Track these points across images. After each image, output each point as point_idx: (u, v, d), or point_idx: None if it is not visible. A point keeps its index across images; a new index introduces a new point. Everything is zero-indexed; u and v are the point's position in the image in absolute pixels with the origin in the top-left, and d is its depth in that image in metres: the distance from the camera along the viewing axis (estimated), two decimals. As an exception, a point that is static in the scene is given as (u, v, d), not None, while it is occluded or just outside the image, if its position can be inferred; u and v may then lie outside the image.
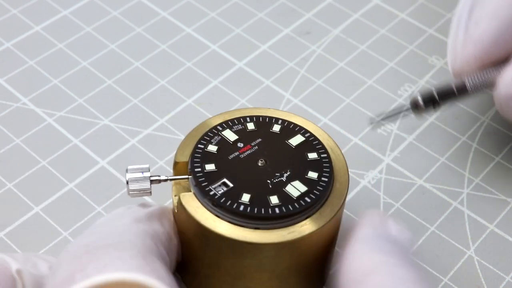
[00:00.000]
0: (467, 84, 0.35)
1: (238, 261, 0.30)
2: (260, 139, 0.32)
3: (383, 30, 0.46)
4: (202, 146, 0.31)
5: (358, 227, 0.31)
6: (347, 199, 0.37)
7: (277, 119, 0.33)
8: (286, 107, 0.41)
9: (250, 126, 0.32)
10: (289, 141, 0.32)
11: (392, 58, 0.44)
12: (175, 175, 0.31)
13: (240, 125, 0.32)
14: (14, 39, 0.45)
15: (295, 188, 0.30)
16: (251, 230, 0.29)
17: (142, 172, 0.31)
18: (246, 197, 0.29)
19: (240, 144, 0.32)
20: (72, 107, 0.41)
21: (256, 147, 0.31)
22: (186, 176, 0.31)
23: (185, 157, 0.31)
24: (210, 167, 0.30)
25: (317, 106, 0.41)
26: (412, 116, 0.41)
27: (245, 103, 0.41)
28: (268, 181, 0.30)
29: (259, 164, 0.31)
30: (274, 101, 0.42)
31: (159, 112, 0.41)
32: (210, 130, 0.32)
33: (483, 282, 0.34)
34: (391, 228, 0.31)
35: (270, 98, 0.42)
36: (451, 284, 0.34)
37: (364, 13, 0.47)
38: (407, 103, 0.35)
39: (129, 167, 0.31)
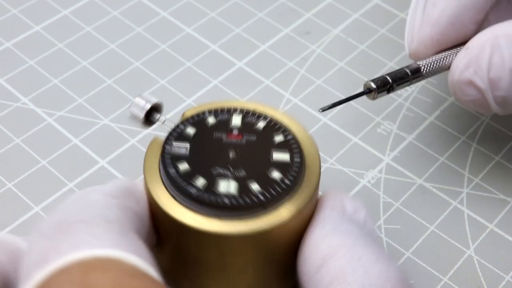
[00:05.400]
0: (422, 68, 0.35)
1: (181, 240, 0.30)
2: (242, 131, 0.32)
3: (383, 30, 0.46)
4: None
5: (316, 210, 0.30)
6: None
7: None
8: (286, 106, 0.41)
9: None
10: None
11: (392, 57, 0.44)
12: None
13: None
14: (14, 39, 0.45)
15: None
16: (192, 212, 0.29)
17: (146, 103, 0.32)
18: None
19: (222, 132, 0.31)
20: (72, 107, 0.41)
21: (235, 139, 0.31)
22: (183, 122, 0.31)
23: (192, 112, 0.32)
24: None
25: (317, 106, 0.41)
26: (411, 115, 0.41)
27: (245, 103, 0.41)
28: (231, 171, 0.30)
29: (230, 154, 0.30)
30: (274, 100, 0.42)
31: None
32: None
33: (483, 282, 0.34)
34: (348, 207, 0.30)
35: (270, 98, 0.42)
36: (450, 283, 0.34)
37: (364, 13, 0.47)
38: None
39: (144, 93, 0.32)
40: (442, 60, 0.35)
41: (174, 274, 0.32)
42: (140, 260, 0.24)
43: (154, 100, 0.32)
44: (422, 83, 0.43)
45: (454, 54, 0.35)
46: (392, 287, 0.27)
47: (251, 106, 0.33)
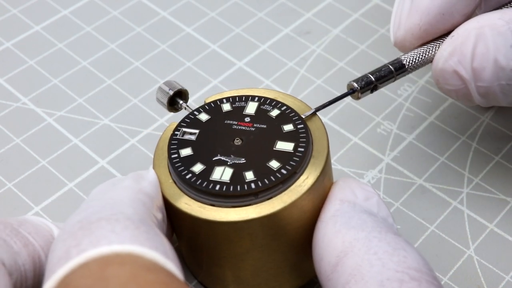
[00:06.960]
0: (406, 63, 0.34)
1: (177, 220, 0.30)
2: (254, 119, 0.32)
3: (383, 30, 0.46)
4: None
5: (325, 203, 0.30)
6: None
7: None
8: (286, 106, 0.41)
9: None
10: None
11: (392, 58, 0.44)
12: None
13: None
14: (14, 39, 0.45)
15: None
16: (188, 198, 0.29)
17: (169, 89, 0.33)
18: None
19: (234, 119, 0.32)
20: (72, 106, 0.41)
21: (245, 126, 0.31)
22: (199, 108, 0.32)
23: (212, 98, 0.33)
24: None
25: (317, 106, 0.41)
26: (411, 115, 0.41)
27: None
28: (232, 159, 0.30)
29: (234, 142, 0.31)
30: (274, 100, 0.42)
31: (159, 112, 0.41)
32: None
33: (483, 282, 0.34)
34: (359, 195, 0.30)
35: (270, 97, 0.42)
36: (450, 283, 0.34)
37: (364, 13, 0.47)
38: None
39: (169, 79, 0.34)
40: (426, 52, 0.34)
41: (192, 264, 0.33)
42: (158, 254, 0.25)
43: (178, 87, 0.33)
44: (422, 83, 0.43)
45: (438, 46, 0.34)
46: (411, 278, 0.26)
47: (272, 94, 0.33)
